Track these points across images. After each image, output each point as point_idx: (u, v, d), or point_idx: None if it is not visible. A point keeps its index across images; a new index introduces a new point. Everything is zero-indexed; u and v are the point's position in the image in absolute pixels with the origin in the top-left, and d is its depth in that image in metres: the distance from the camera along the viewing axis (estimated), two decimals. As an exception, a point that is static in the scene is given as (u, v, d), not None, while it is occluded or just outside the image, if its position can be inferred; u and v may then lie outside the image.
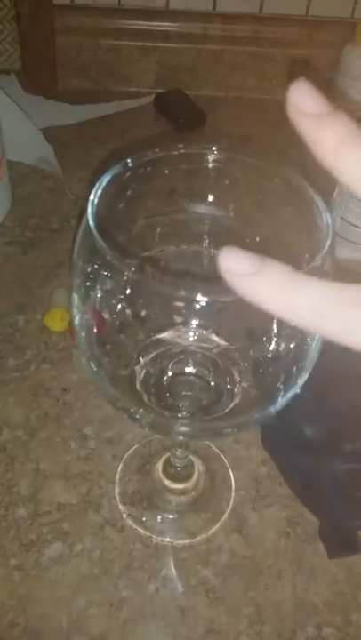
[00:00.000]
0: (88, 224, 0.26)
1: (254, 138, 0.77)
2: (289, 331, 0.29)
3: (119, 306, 0.30)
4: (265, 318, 0.29)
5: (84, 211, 0.66)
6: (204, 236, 0.34)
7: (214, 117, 0.79)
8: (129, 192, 0.30)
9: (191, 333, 0.34)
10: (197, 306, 0.25)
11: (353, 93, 0.79)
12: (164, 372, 0.36)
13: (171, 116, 0.79)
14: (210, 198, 0.32)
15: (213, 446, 0.48)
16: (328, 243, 0.25)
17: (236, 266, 0.17)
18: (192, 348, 0.35)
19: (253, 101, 0.85)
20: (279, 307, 0.17)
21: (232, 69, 0.83)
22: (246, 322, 0.31)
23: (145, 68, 0.83)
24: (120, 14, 0.79)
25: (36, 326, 0.54)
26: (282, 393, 0.29)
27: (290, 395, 0.29)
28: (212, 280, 0.36)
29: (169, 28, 0.80)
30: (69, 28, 0.79)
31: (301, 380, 0.29)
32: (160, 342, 0.35)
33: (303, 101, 0.18)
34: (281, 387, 0.29)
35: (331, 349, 0.47)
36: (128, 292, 0.28)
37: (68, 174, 0.70)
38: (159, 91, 0.82)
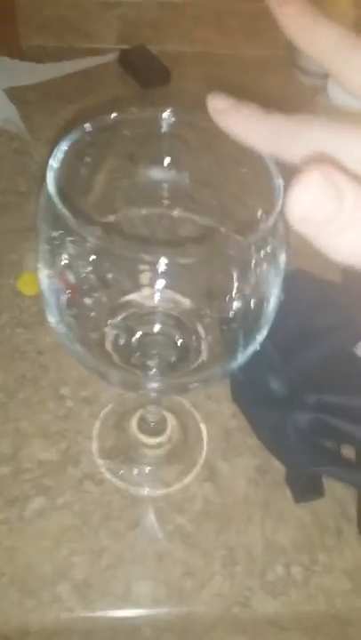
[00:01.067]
0: (48, 190, 0.27)
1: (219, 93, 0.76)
2: (247, 290, 0.30)
3: (85, 270, 0.31)
4: (225, 279, 0.31)
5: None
6: (165, 199, 0.35)
7: (179, 73, 0.78)
8: (89, 156, 0.30)
9: (157, 295, 0.35)
10: (161, 269, 0.26)
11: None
12: (132, 333, 0.37)
13: (135, 73, 0.79)
14: (168, 161, 0.33)
15: (186, 402, 0.50)
16: (280, 203, 0.26)
17: (220, 103, 0.22)
18: (159, 308, 0.37)
19: (218, 56, 0.84)
20: (243, 131, 0.22)
21: (196, 24, 0.82)
22: (208, 282, 0.32)
23: (108, 23, 0.81)
24: (81, -32, 0.78)
25: (10, 291, 0.55)
26: (242, 349, 0.30)
27: (250, 350, 0.30)
28: (175, 241, 0.37)
29: (132, -18, 0.79)
30: (30, -17, 0.77)
31: (260, 337, 0.30)
32: (127, 304, 0.36)
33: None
34: (241, 343, 0.30)
35: (295, 309, 0.49)
36: (92, 257, 0.29)
37: (34, 135, 0.69)
38: (123, 47, 0.81)
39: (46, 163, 0.67)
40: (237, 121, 0.22)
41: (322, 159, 0.19)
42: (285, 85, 0.81)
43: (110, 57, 0.80)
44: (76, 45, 0.82)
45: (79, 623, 0.41)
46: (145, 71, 0.78)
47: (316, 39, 0.23)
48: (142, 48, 0.81)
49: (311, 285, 0.52)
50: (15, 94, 0.72)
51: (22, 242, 0.59)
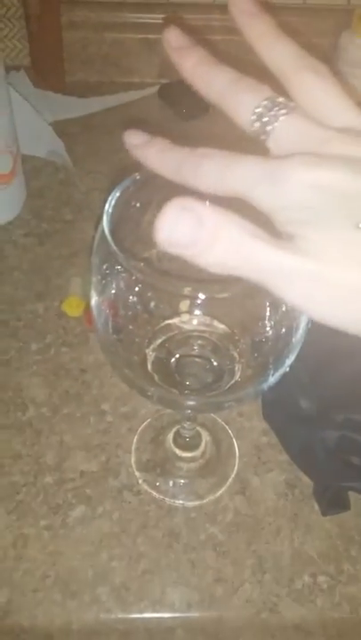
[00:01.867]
0: (104, 232, 0.30)
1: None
2: (278, 318, 0.33)
3: (130, 299, 0.34)
4: (258, 308, 0.34)
5: (94, 202, 0.70)
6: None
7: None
8: (137, 200, 0.34)
9: (195, 320, 0.39)
10: (199, 301, 0.30)
11: (350, 80, 0.82)
12: (171, 355, 0.41)
13: (175, 106, 0.83)
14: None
15: (219, 419, 0.53)
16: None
17: (135, 139, 0.25)
18: (196, 333, 0.40)
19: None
20: (155, 163, 0.24)
21: (233, 59, 0.86)
22: (242, 311, 0.35)
23: (148, 59, 0.86)
24: (123, 8, 0.82)
25: (55, 313, 0.59)
26: (272, 372, 0.33)
27: (280, 373, 0.34)
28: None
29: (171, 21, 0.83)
30: (75, 22, 0.82)
31: (289, 361, 0.33)
32: (167, 328, 0.40)
33: (173, 38, 0.26)
34: (271, 366, 0.34)
35: (323, 328, 0.52)
36: (137, 288, 0.32)
37: (78, 166, 0.74)
38: (163, 81, 0.86)
39: (90, 193, 0.72)
40: (150, 155, 0.24)
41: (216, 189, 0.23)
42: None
43: (151, 90, 0.85)
44: (117, 80, 0.87)
45: (117, 624, 0.44)
46: (184, 104, 0.82)
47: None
48: (182, 82, 0.85)
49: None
50: (60, 127, 0.77)
51: (68, 267, 0.63)
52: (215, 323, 0.39)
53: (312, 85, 0.24)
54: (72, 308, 0.58)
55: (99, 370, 0.56)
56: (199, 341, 0.40)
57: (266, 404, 0.52)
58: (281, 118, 0.23)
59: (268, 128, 0.23)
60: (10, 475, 0.49)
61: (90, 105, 0.82)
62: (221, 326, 0.39)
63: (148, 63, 0.86)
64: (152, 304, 0.36)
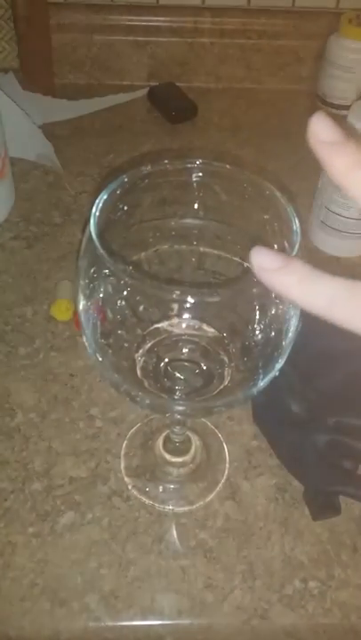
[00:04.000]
0: (91, 235, 0.30)
1: (243, 127, 0.80)
2: (268, 322, 0.33)
3: (119, 303, 0.34)
4: (248, 312, 0.33)
5: (83, 205, 0.70)
6: (193, 238, 0.38)
7: (206, 108, 0.82)
8: (125, 202, 0.34)
9: (184, 324, 0.38)
10: (188, 305, 0.29)
11: (336, 82, 0.82)
12: (160, 359, 0.40)
13: (164, 109, 0.83)
14: (196, 206, 0.36)
15: (209, 423, 0.52)
16: (297, 246, 0.29)
17: (267, 262, 0.21)
18: (185, 336, 0.40)
19: (242, 91, 0.88)
20: (299, 297, 0.21)
21: (222, 61, 0.87)
22: (232, 315, 0.35)
23: (138, 62, 0.86)
24: (112, 10, 0.82)
25: (43, 316, 0.59)
26: (262, 376, 0.33)
27: (269, 377, 0.33)
28: (201, 274, 0.40)
29: (160, 23, 0.83)
30: (63, 25, 0.82)
31: (279, 365, 0.33)
32: (156, 332, 0.39)
33: (322, 130, 0.22)
34: (261, 371, 0.33)
35: (314, 333, 0.51)
36: (126, 293, 0.32)
37: (67, 169, 0.73)
38: (152, 84, 0.86)
39: (79, 196, 0.71)
40: (290, 284, 0.21)
41: None
42: (308, 117, 0.84)
43: (140, 93, 0.85)
44: (106, 82, 0.87)
45: (106, 632, 0.43)
46: (173, 107, 0.82)
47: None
48: (170, 84, 0.85)
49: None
50: (49, 130, 0.76)
51: (57, 271, 0.62)
52: (205, 326, 0.38)
53: None
54: (61, 311, 0.58)
55: (87, 374, 0.55)
56: (189, 345, 0.40)
57: (256, 407, 0.52)
58: None
59: None
60: (-3, 481, 0.48)
61: (79, 107, 0.81)
62: (211, 330, 0.39)
63: (138, 65, 0.86)
64: (141, 308, 0.36)
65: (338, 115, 0.85)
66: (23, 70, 0.82)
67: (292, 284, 0.20)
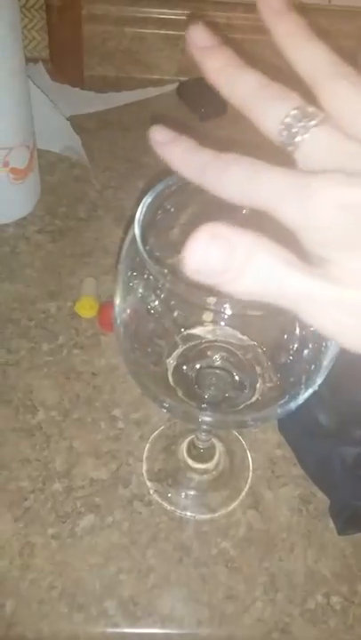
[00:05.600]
0: (135, 238, 0.29)
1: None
2: (310, 335, 0.32)
3: (154, 307, 0.33)
4: (286, 325, 0.32)
5: (109, 200, 0.69)
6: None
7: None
8: (169, 205, 0.33)
9: (219, 331, 0.38)
10: (225, 315, 0.28)
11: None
12: (192, 365, 0.39)
13: (193, 105, 0.81)
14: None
15: (234, 430, 0.51)
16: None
17: (160, 136, 0.23)
18: (219, 343, 0.39)
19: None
20: (180, 164, 0.23)
21: (253, 58, 0.85)
22: (270, 326, 0.34)
23: (168, 56, 0.84)
24: (145, 3, 0.81)
25: (67, 313, 0.58)
26: (303, 390, 0.32)
27: (309, 392, 0.32)
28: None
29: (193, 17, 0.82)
30: (95, 16, 0.80)
31: (320, 379, 0.32)
32: (189, 337, 0.38)
33: (198, 37, 0.24)
34: (302, 385, 0.32)
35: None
36: (162, 296, 0.31)
37: (94, 163, 0.72)
38: (182, 79, 0.84)
39: (105, 191, 0.70)
40: (175, 154, 0.23)
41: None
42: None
43: (169, 88, 0.83)
44: (136, 76, 0.85)
45: (124, 639, 0.42)
46: (203, 103, 0.80)
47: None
48: (200, 80, 0.83)
49: None
50: (76, 122, 0.75)
51: (81, 266, 0.61)
52: (239, 334, 0.37)
53: (345, 95, 0.22)
54: (85, 309, 0.57)
55: (110, 374, 0.54)
56: (222, 353, 0.39)
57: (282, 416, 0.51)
58: (311, 130, 0.21)
59: (297, 139, 0.22)
60: (18, 480, 0.48)
61: (107, 100, 0.80)
62: (246, 339, 0.37)
63: (168, 60, 0.85)
64: (175, 313, 0.35)
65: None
66: (52, 61, 0.81)
67: (176, 153, 0.23)
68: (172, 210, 0.33)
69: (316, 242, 0.21)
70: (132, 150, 0.75)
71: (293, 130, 0.22)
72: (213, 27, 0.25)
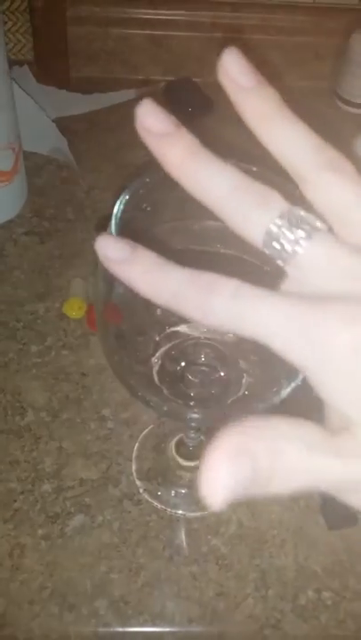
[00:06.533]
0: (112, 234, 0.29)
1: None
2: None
3: (136, 305, 0.33)
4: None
5: (97, 201, 0.69)
6: (214, 241, 0.37)
7: (222, 104, 0.81)
8: (147, 203, 0.33)
9: (203, 327, 0.37)
10: None
11: (357, 80, 0.81)
12: (177, 363, 0.39)
13: (179, 104, 0.81)
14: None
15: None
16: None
17: (111, 252, 0.20)
18: (203, 340, 0.39)
19: (260, 88, 0.86)
20: (144, 289, 0.19)
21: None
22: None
23: (154, 56, 0.84)
24: (129, 3, 0.81)
25: (56, 314, 0.58)
26: (285, 384, 0.32)
27: (290, 388, 0.32)
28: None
29: (177, 17, 0.82)
30: (80, 17, 0.80)
31: (301, 376, 0.32)
32: (174, 334, 0.38)
33: (148, 118, 0.20)
34: (282, 382, 0.32)
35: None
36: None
37: (82, 164, 0.72)
38: (168, 79, 0.84)
39: (92, 191, 0.70)
40: (134, 275, 0.19)
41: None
42: (326, 114, 0.83)
43: (156, 88, 0.83)
44: (122, 76, 0.85)
45: (116, 638, 0.42)
46: (189, 102, 0.81)
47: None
48: (187, 80, 0.84)
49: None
50: (63, 124, 0.75)
51: (69, 268, 0.61)
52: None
53: (333, 190, 0.19)
54: (73, 309, 0.57)
55: (99, 374, 0.54)
56: (207, 349, 0.39)
57: (271, 412, 0.51)
58: (302, 243, 0.19)
59: (286, 254, 0.19)
60: (7, 481, 0.48)
61: (94, 101, 0.80)
62: (231, 334, 0.37)
63: (154, 60, 0.85)
64: (159, 311, 0.35)
65: (357, 114, 0.83)
66: (38, 63, 0.81)
67: (136, 275, 0.19)
68: (150, 208, 0.33)
69: (336, 397, 0.18)
70: (119, 151, 0.75)
71: (282, 241, 0.19)
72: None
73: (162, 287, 0.19)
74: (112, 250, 0.19)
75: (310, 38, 0.84)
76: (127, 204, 0.30)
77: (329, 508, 0.46)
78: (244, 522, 0.47)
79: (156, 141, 0.20)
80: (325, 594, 0.44)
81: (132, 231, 0.31)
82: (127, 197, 0.30)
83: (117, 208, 0.29)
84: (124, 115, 0.80)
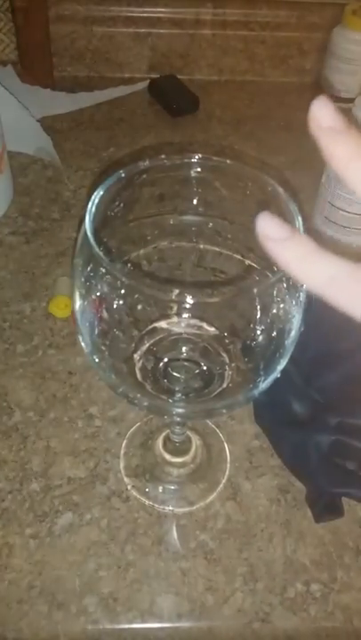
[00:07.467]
0: (86, 233, 0.29)
1: (245, 120, 0.79)
2: (269, 322, 0.32)
3: (116, 303, 0.33)
4: (249, 312, 0.33)
5: (83, 200, 0.69)
6: (193, 235, 0.37)
7: (207, 101, 0.81)
8: (122, 198, 0.33)
9: (183, 323, 0.38)
10: (187, 305, 0.28)
11: (340, 75, 0.81)
12: (159, 359, 0.39)
13: (165, 102, 0.81)
14: (195, 202, 0.35)
15: (210, 422, 0.51)
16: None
17: (273, 231, 0.20)
18: (185, 335, 0.39)
19: (245, 84, 0.87)
20: (299, 272, 0.20)
21: (224, 53, 0.85)
22: (233, 314, 0.34)
23: (138, 54, 0.84)
24: (113, 2, 0.81)
25: (42, 313, 0.58)
26: (263, 378, 0.32)
27: (271, 379, 0.32)
28: (201, 272, 0.39)
29: (161, 14, 0.82)
30: (63, 16, 0.80)
31: (280, 367, 0.32)
32: (155, 331, 0.38)
33: (323, 116, 0.21)
34: (262, 372, 0.32)
35: (318, 331, 0.50)
36: (123, 292, 0.31)
37: (67, 163, 0.72)
38: (153, 76, 0.84)
39: (78, 190, 0.70)
40: (290, 259, 0.20)
41: None
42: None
43: (141, 86, 0.83)
44: (107, 75, 0.85)
45: (105, 635, 0.42)
46: (174, 99, 0.81)
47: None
48: (172, 77, 0.84)
49: (334, 309, 0.53)
50: (47, 123, 0.75)
51: (55, 267, 0.61)
52: (205, 325, 0.38)
53: None
54: (59, 308, 0.57)
55: (86, 372, 0.54)
56: (188, 345, 0.39)
57: (258, 406, 0.51)
58: None
59: None
60: (-5, 481, 0.48)
61: (79, 100, 0.80)
62: (211, 329, 0.38)
63: (138, 58, 0.85)
64: (139, 307, 0.35)
65: (342, 108, 0.83)
66: (22, 63, 0.81)
67: (294, 258, 0.20)
68: (126, 203, 0.33)
69: None
70: (104, 149, 0.75)
71: None
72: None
73: (317, 272, 0.20)
74: (272, 229, 0.20)
75: (294, 34, 0.84)
76: (102, 199, 0.30)
77: (315, 501, 0.46)
78: (232, 516, 0.47)
79: (327, 136, 0.21)
80: (314, 586, 0.44)
81: (109, 226, 0.31)
82: (101, 193, 0.30)
83: (92, 204, 0.29)
84: (110, 113, 0.80)
